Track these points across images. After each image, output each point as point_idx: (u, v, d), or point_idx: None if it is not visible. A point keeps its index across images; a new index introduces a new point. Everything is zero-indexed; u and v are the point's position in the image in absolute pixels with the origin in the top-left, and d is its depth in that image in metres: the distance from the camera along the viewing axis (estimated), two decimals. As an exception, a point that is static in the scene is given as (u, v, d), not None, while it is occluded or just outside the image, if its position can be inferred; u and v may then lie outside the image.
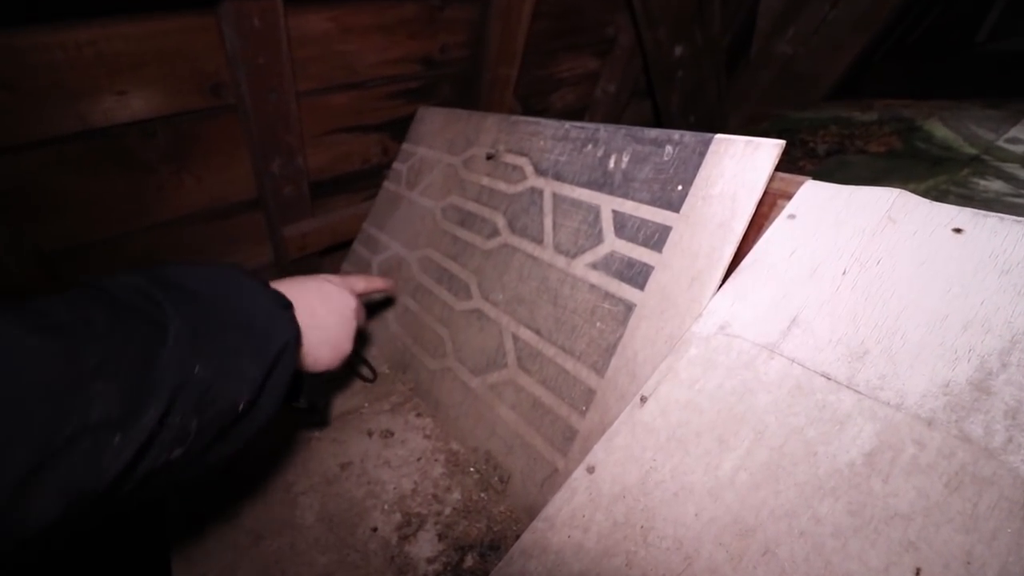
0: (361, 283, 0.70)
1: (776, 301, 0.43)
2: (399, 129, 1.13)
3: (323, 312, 0.58)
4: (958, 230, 0.40)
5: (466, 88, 1.21)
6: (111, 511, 0.36)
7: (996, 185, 0.87)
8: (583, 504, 0.43)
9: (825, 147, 1.14)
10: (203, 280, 0.44)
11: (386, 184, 1.06)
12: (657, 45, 1.27)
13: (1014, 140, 1.02)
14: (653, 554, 0.38)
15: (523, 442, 0.61)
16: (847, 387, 0.37)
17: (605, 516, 0.42)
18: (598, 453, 0.46)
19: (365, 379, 0.82)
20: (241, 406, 0.41)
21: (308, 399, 0.63)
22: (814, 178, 0.49)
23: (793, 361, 0.40)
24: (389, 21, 0.98)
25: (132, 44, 0.77)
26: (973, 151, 1.00)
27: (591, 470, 0.45)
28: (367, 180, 1.19)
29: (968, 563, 0.29)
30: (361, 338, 0.69)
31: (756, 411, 0.39)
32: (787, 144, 0.48)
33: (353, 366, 0.79)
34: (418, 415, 0.76)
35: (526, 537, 0.46)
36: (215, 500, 0.64)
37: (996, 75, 1.82)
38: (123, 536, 0.96)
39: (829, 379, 0.38)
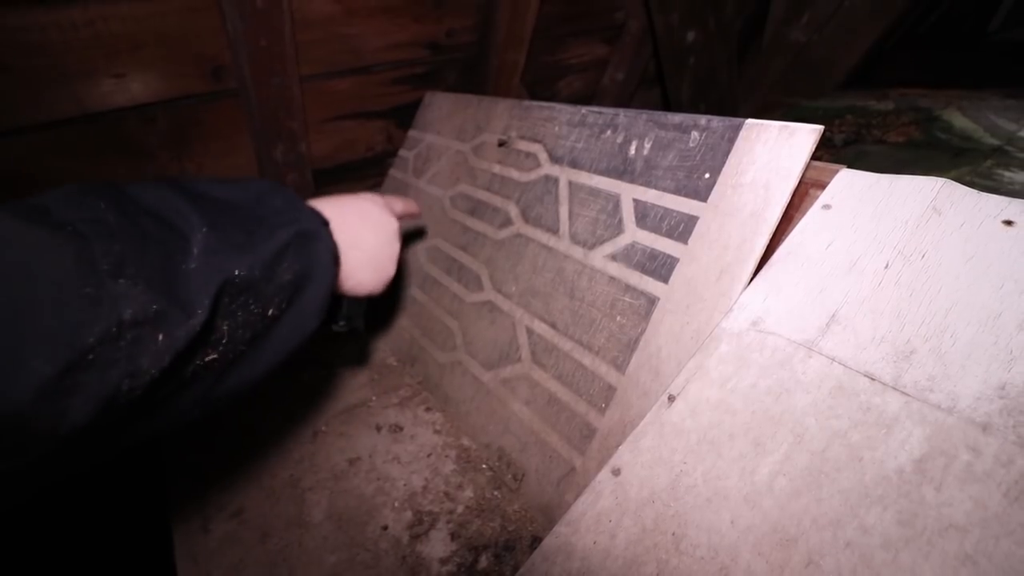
0: (399, 204, 0.65)
1: (813, 296, 0.41)
2: (403, 116, 1.10)
3: (365, 232, 0.55)
4: (1009, 222, 0.38)
5: (472, 74, 1.17)
6: (144, 427, 0.36)
7: (1022, 177, 0.84)
8: (609, 508, 0.41)
9: (842, 137, 1.11)
10: (233, 189, 0.44)
11: (392, 172, 1.04)
12: (669, 30, 1.23)
13: (1037, 131, 0.99)
14: (686, 563, 0.36)
15: (538, 439, 0.59)
16: (893, 388, 0.35)
17: (633, 521, 0.40)
18: (624, 455, 0.44)
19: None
20: (271, 311, 0.40)
21: (348, 322, 0.60)
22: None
23: (833, 360, 0.38)
24: (394, 3, 0.95)
25: (130, 24, 0.74)
26: (995, 142, 0.97)
27: (616, 472, 0.43)
28: (371, 168, 1.16)
29: (1032, 579, 0.27)
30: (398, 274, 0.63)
31: (794, 413, 0.37)
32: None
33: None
34: (427, 409, 0.74)
35: (548, 541, 0.44)
36: (220, 496, 0.63)
37: (1011, 65, 1.78)
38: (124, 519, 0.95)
39: (873, 380, 0.36)
